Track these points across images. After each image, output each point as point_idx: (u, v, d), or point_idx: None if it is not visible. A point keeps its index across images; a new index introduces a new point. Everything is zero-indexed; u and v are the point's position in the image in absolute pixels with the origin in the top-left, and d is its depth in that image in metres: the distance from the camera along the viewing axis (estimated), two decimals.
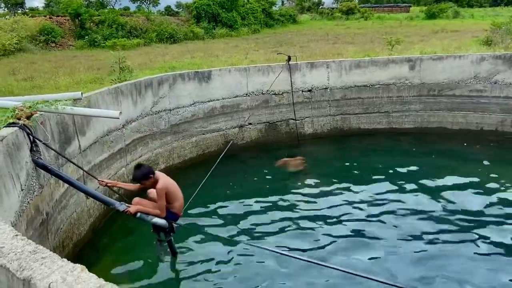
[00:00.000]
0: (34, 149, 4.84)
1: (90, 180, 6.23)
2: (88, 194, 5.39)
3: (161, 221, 5.16)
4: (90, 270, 5.28)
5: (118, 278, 5.55)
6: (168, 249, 5.64)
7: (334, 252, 5.94)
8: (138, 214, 5.02)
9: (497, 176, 8.36)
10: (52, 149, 5.11)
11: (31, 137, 4.75)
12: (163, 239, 5.53)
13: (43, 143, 4.90)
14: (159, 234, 5.50)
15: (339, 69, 10.62)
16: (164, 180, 5.20)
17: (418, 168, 8.90)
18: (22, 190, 4.36)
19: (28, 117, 4.85)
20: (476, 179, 8.24)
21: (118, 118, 5.05)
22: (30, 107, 4.95)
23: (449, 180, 8.23)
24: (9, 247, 2.05)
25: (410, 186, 8.01)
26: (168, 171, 8.74)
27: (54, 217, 5.29)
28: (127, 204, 5.02)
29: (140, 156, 8.17)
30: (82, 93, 5.72)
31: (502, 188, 7.81)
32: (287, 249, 5.89)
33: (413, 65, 10.64)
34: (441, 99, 10.74)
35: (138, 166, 5.16)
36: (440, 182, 8.15)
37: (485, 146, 10.06)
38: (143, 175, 5.08)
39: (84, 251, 6.18)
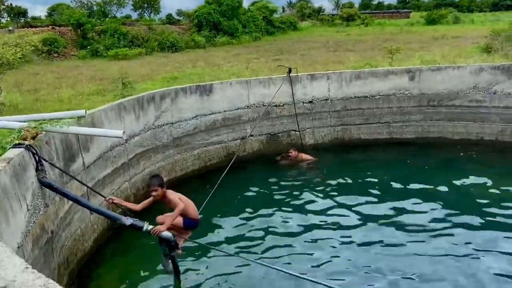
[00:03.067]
0: (40, 168, 4.93)
1: (93, 196, 6.31)
2: (94, 211, 5.50)
3: (167, 234, 5.19)
4: (94, 286, 5.33)
5: None
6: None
7: (337, 270, 5.99)
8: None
9: (497, 186, 8.44)
10: (58, 168, 5.20)
11: (37, 157, 4.84)
12: (167, 253, 5.59)
13: (49, 163, 5.00)
14: (164, 247, 5.54)
15: (339, 81, 10.73)
16: (172, 191, 5.57)
17: (417, 177, 8.98)
18: (28, 210, 4.45)
19: (33, 137, 4.95)
20: (475, 189, 8.35)
21: (122, 138, 5.15)
22: (35, 127, 5.05)
23: (448, 191, 8.31)
24: (20, 281, 2.12)
25: (409, 197, 8.07)
26: (170, 184, 8.83)
27: (59, 234, 5.37)
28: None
29: (143, 170, 8.26)
30: (86, 111, 5.81)
31: (502, 198, 7.89)
32: (294, 267, 5.94)
33: (412, 76, 10.73)
34: (441, 109, 10.82)
35: (156, 175, 5.69)
36: (438, 193, 8.24)
37: (485, 156, 10.14)
38: (159, 182, 5.36)
39: (89, 267, 6.24)
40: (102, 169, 6.86)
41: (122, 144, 7.50)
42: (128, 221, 5.02)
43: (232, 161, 7.99)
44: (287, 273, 4.68)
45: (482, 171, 9.24)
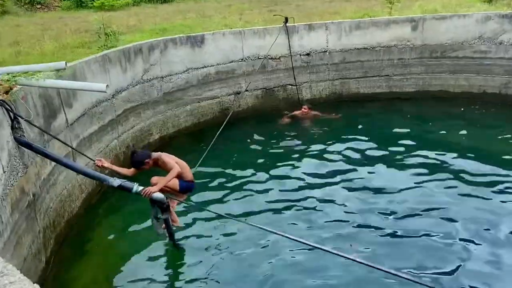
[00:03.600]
0: (16, 126, 4.52)
1: (79, 156, 5.92)
2: (77, 171, 5.15)
3: (159, 196, 4.86)
4: (84, 250, 5.03)
5: (113, 258, 5.39)
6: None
7: (330, 230, 5.77)
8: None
9: (499, 139, 8.22)
10: (35, 126, 4.78)
11: (12, 114, 4.41)
12: (159, 215, 5.30)
13: (25, 120, 4.57)
14: (156, 210, 5.23)
15: (338, 31, 10.13)
16: (166, 154, 5.22)
17: (417, 132, 8.77)
18: (4, 172, 4.07)
19: (6, 92, 4.49)
20: (477, 142, 8.17)
21: (106, 92, 4.70)
22: (8, 80, 4.58)
23: (449, 144, 8.12)
24: None
25: (410, 152, 7.87)
26: (162, 141, 8.51)
27: (42, 196, 5.03)
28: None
29: (133, 127, 7.84)
30: (66, 63, 5.30)
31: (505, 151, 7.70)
32: (290, 230, 5.73)
33: (415, 26, 10.15)
34: (443, 61, 10.32)
35: (133, 153, 5.02)
36: (439, 146, 8.01)
37: (487, 109, 9.82)
38: (140, 161, 4.94)
39: (78, 229, 5.97)
40: (87, 126, 6.42)
41: (108, 100, 7.03)
42: (115, 182, 4.68)
43: (228, 117, 7.61)
44: (281, 235, 4.36)
45: (484, 125, 8.98)
